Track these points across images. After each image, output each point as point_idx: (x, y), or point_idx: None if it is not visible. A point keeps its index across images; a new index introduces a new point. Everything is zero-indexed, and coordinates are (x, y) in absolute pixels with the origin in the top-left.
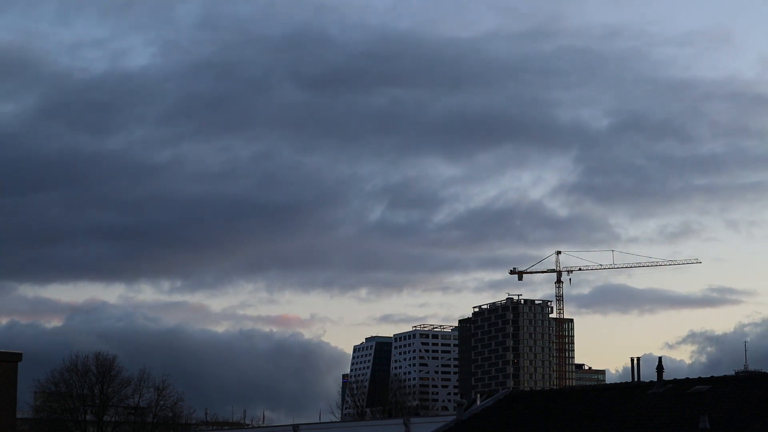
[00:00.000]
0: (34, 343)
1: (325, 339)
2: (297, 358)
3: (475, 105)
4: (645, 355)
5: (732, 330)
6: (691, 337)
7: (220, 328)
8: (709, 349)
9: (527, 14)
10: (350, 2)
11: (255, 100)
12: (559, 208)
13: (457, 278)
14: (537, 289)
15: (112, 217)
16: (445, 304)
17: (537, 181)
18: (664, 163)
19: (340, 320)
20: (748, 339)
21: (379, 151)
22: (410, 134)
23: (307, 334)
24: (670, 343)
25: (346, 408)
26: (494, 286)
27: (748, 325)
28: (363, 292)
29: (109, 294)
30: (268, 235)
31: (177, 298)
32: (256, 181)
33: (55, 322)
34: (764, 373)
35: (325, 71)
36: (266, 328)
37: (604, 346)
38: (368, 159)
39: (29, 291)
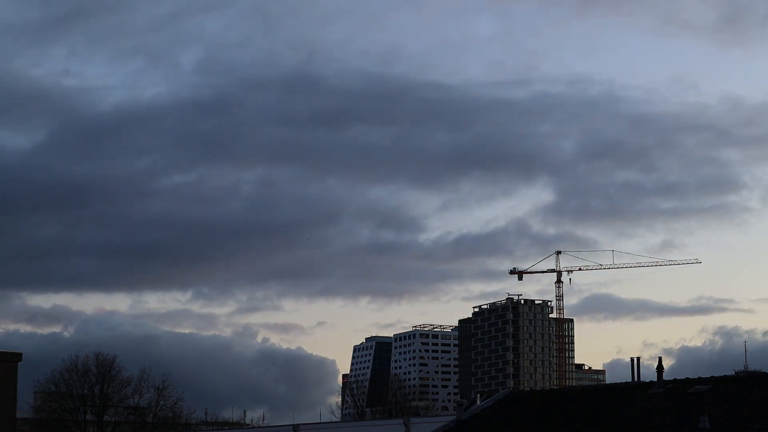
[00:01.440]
0: (38, 348)
1: (320, 345)
2: (284, 363)
3: (461, 140)
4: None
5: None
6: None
7: (224, 333)
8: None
9: (509, 65)
10: (346, 48)
11: (254, 134)
12: (545, 227)
13: (455, 287)
14: (537, 289)
15: (116, 235)
16: (444, 310)
17: (520, 205)
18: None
19: (339, 327)
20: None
21: (370, 179)
22: (399, 166)
23: (302, 339)
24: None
25: (346, 408)
26: (493, 289)
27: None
28: (363, 301)
29: (116, 303)
30: (267, 250)
31: (180, 306)
32: (254, 204)
33: (58, 329)
34: (764, 373)
35: (320, 110)
36: (262, 335)
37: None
38: (359, 186)
39: (34, 300)
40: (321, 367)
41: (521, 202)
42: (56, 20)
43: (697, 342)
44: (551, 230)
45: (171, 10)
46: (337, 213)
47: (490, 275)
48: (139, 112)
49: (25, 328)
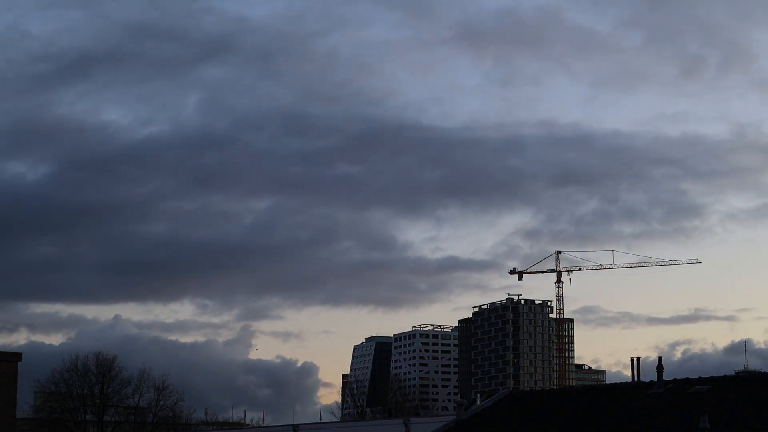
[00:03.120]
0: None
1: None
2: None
3: (446, 173)
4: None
5: None
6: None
7: (220, 339)
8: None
9: (489, 110)
10: (343, 89)
11: (256, 169)
12: (526, 246)
13: (454, 290)
14: (537, 289)
15: (122, 254)
16: (444, 311)
17: (502, 228)
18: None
19: (337, 333)
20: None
21: (362, 206)
22: (390, 195)
23: (296, 345)
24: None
25: (346, 408)
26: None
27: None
28: (364, 309)
29: (126, 312)
30: (269, 266)
31: (187, 317)
32: (253, 228)
33: (62, 336)
34: (764, 373)
35: (315, 147)
36: (259, 341)
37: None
38: (351, 213)
39: (42, 309)
40: (304, 372)
41: (505, 227)
42: (69, 66)
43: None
44: (531, 249)
45: (174, 56)
46: (333, 235)
47: (486, 284)
48: (147, 147)
49: (32, 337)
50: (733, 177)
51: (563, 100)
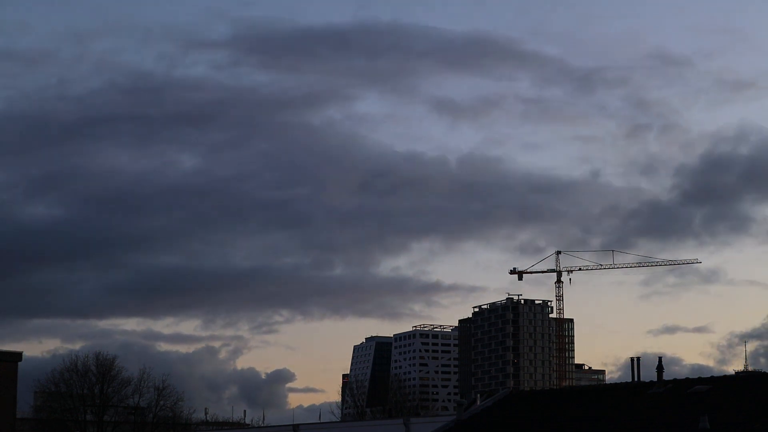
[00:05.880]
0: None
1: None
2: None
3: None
4: None
5: None
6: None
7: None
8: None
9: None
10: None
11: (260, 205)
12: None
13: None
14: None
15: (132, 278)
16: (444, 311)
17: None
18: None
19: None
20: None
21: (356, 239)
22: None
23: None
24: None
25: (346, 408)
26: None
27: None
28: (363, 319)
29: (130, 325)
30: (266, 287)
31: (191, 332)
32: (253, 259)
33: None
34: (764, 373)
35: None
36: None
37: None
38: (344, 246)
39: (54, 322)
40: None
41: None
42: (88, 123)
43: None
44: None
45: (175, 113)
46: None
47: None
48: (156, 191)
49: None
50: None
51: None
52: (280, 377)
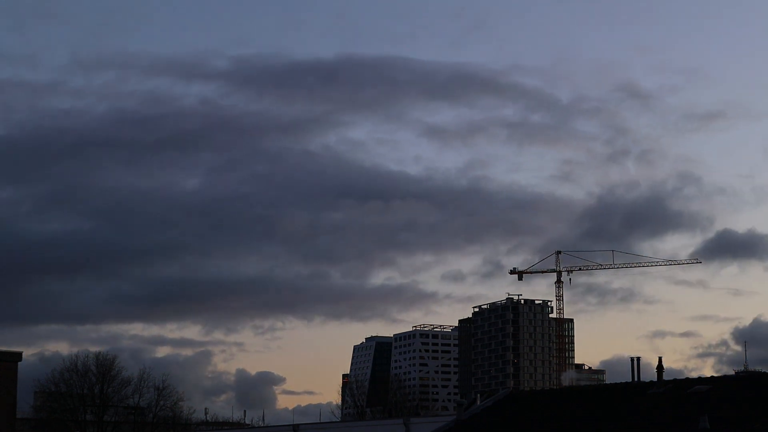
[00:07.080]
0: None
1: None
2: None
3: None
4: None
5: None
6: None
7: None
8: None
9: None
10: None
11: (260, 224)
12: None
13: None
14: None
15: (134, 288)
16: (444, 311)
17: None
18: None
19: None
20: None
21: (348, 257)
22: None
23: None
24: None
25: (346, 408)
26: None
27: None
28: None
29: (133, 329)
30: (266, 298)
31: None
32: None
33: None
34: (764, 373)
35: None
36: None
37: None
38: (340, 262)
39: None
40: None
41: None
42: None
43: None
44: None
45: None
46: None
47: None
48: (162, 209)
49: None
50: None
51: None
52: (271, 379)
